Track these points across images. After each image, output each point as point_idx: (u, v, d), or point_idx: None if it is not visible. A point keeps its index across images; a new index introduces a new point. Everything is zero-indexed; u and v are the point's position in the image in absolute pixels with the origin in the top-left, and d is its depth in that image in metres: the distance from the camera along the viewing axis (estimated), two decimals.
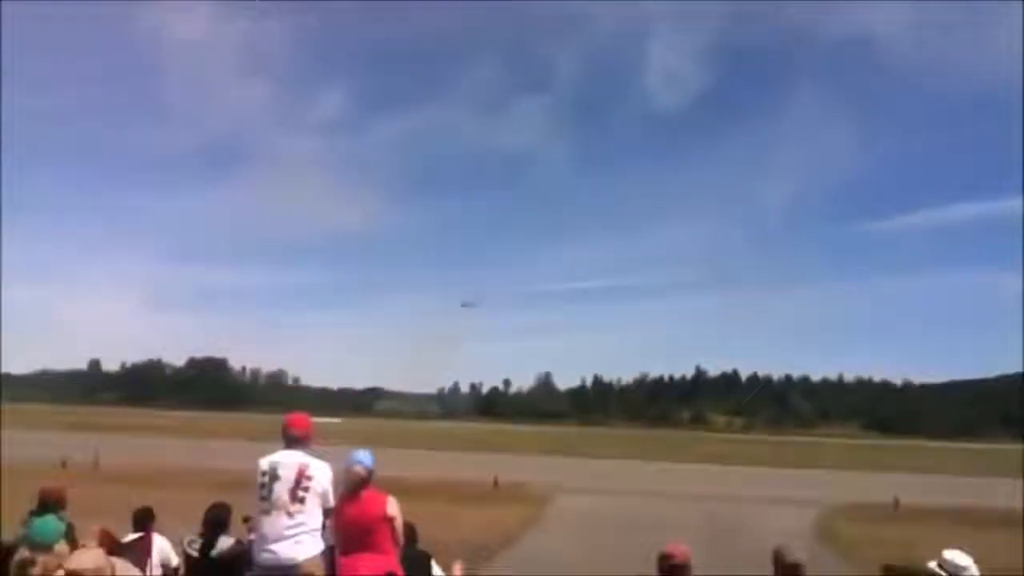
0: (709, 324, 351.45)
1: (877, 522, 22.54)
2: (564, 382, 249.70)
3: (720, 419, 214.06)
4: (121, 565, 3.94)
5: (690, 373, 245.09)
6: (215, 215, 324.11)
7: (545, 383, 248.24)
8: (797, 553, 6.06)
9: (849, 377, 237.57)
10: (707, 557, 6.21)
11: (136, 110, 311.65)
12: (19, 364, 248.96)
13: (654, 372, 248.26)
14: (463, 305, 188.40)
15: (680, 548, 6.37)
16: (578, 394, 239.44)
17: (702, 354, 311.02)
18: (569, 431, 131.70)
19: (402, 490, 6.53)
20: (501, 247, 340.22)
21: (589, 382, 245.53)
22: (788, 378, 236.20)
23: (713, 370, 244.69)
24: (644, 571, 6.53)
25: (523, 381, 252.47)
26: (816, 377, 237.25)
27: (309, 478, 6.22)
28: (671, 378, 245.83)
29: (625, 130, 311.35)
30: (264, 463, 6.31)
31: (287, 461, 6.28)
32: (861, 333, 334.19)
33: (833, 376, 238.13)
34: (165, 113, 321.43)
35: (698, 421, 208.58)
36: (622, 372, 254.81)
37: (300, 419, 6.59)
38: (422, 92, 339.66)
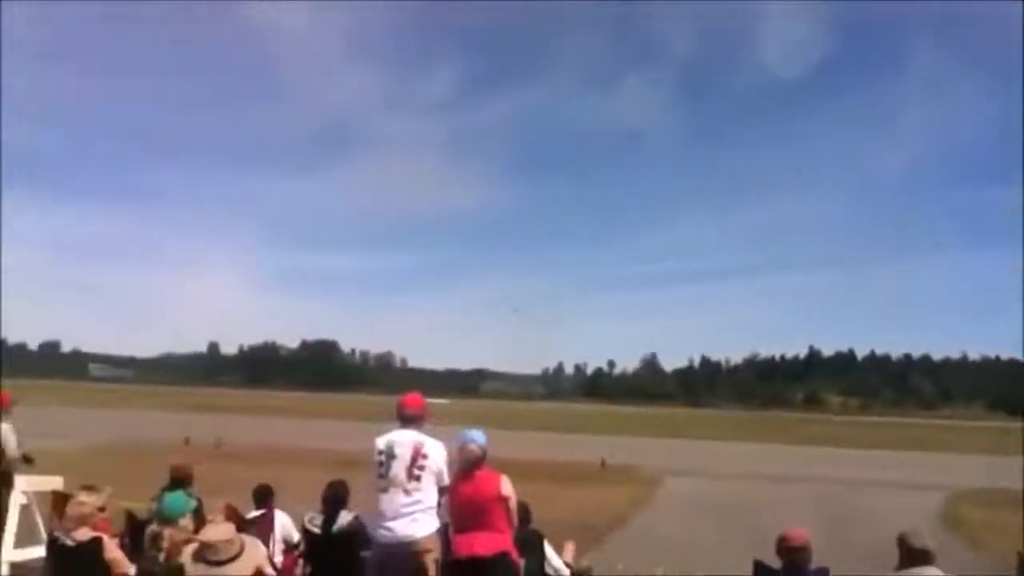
0: (823, 301, 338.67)
1: (1005, 508, 21.41)
2: (670, 363, 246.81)
3: (835, 400, 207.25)
4: (249, 540, 4.08)
5: (803, 352, 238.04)
6: (326, 200, 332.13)
7: (651, 364, 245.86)
8: (925, 539, 5.81)
9: (974, 355, 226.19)
10: (825, 542, 6.04)
11: (247, 99, 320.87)
12: (146, 348, 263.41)
13: (765, 352, 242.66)
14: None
15: (799, 532, 6.22)
16: (685, 375, 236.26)
17: (816, 333, 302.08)
18: (676, 412, 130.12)
19: (509, 471, 6.54)
20: (608, 226, 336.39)
21: (697, 363, 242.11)
22: (908, 357, 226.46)
23: (827, 349, 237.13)
24: (757, 555, 6.39)
25: (628, 362, 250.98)
26: (938, 356, 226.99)
27: (425, 456, 6.32)
28: (783, 358, 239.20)
29: (737, 103, 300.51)
30: (381, 442, 6.44)
31: (403, 440, 6.40)
32: (986, 309, 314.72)
33: (956, 355, 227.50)
34: (276, 101, 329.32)
35: (812, 402, 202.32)
36: (731, 352, 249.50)
37: (415, 399, 6.70)
38: (530, 69, 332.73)
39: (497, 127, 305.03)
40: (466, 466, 6.37)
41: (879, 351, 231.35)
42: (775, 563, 6.20)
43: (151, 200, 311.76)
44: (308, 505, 7.81)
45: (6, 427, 9.90)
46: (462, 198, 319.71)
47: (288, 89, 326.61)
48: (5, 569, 9.20)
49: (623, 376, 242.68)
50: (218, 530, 4.08)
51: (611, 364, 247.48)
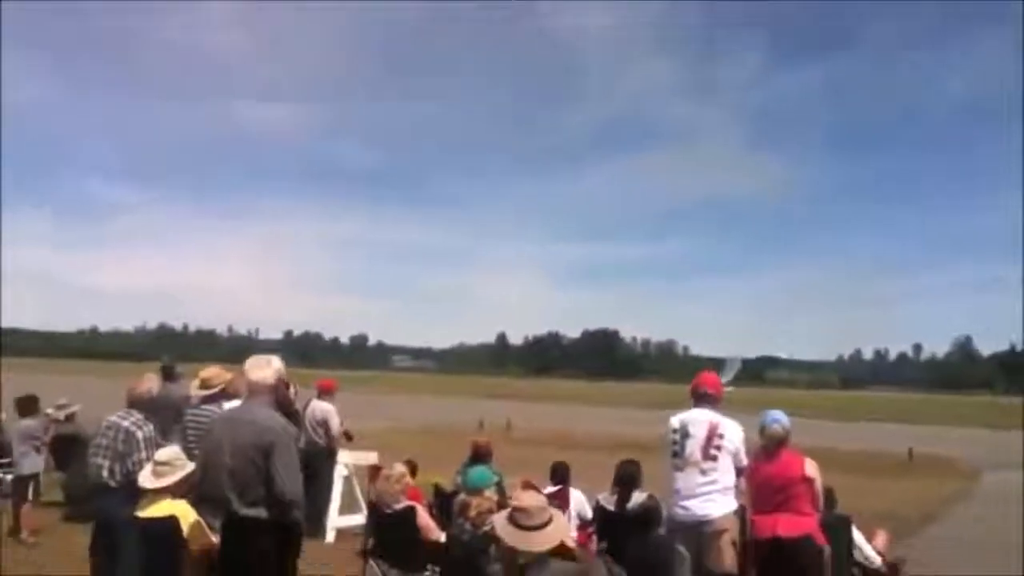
0: None
1: None
2: (988, 347, 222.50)
3: None
4: (556, 512, 4.18)
5: None
6: (610, 190, 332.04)
7: (964, 348, 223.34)
8: None
9: None
10: None
11: (545, 99, 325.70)
12: (441, 339, 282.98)
13: None
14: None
15: None
16: (1006, 360, 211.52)
17: None
18: (993, 401, 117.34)
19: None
20: (916, 201, 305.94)
21: (1020, 346, 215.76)
22: None
23: None
24: None
25: (937, 346, 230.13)
26: None
27: (721, 436, 6.16)
28: None
29: None
30: (675, 420, 6.36)
31: (698, 418, 6.28)
32: None
33: None
34: (571, 99, 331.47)
35: None
36: None
37: (710, 377, 6.61)
38: (842, 37, 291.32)
39: (801, 104, 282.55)
40: (769, 445, 6.15)
41: None
42: None
43: (446, 201, 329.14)
44: (595, 487, 7.89)
45: (331, 408, 11.03)
46: (759, 179, 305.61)
47: (585, 86, 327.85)
48: (332, 534, 10.20)
49: (932, 361, 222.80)
50: (530, 495, 4.24)
51: (916, 349, 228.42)
